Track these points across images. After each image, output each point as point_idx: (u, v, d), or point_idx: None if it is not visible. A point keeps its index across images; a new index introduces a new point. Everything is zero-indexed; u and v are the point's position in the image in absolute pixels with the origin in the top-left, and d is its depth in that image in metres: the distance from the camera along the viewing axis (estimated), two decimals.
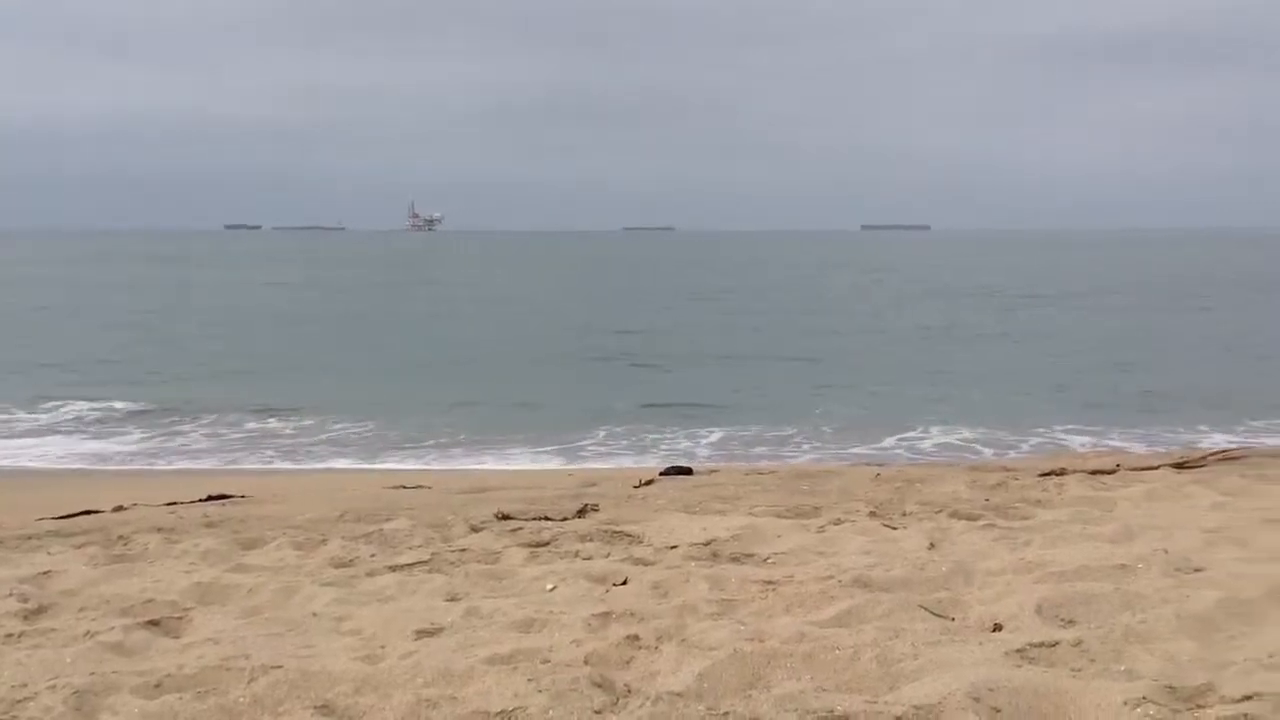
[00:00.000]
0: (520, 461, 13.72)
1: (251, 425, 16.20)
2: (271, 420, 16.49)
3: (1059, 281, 56.26)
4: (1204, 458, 10.61)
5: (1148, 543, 6.86)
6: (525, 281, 61.40)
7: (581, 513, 8.36)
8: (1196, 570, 6.14)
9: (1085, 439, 14.51)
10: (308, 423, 16.38)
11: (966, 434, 14.95)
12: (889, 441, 14.47)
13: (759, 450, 14.14)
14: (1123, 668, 4.58)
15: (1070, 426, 15.35)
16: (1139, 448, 13.02)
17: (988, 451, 13.76)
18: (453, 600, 5.92)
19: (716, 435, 15.15)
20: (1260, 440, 13.77)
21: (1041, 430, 15.17)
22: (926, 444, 14.38)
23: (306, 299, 45.13)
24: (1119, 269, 71.80)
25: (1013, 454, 13.33)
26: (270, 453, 14.44)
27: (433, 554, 6.99)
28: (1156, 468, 10.15)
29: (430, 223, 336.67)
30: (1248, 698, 4.12)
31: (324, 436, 15.52)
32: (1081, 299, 43.49)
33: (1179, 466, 10.21)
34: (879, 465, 11.33)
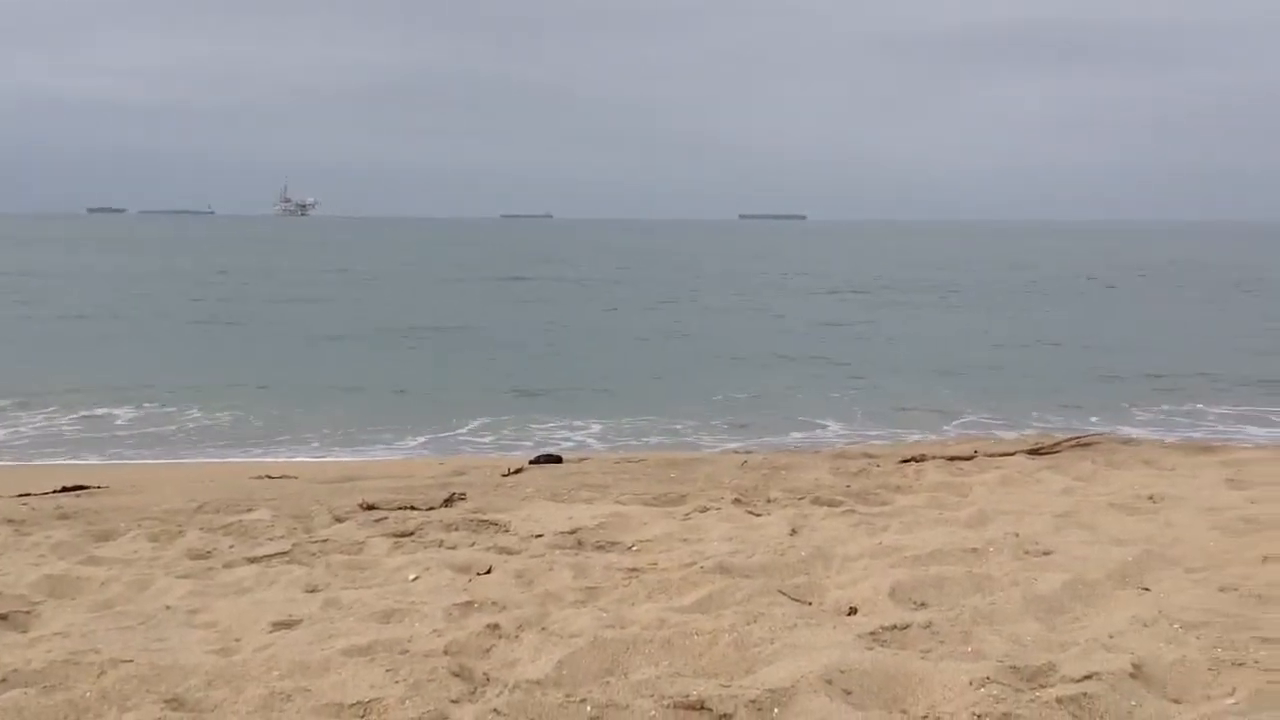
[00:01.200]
0: (391, 450, 13.55)
1: (111, 414, 15.70)
2: (132, 409, 15.99)
3: (936, 272, 57.32)
4: (1058, 444, 10.94)
5: (1000, 527, 7.08)
6: (404, 267, 60.75)
7: (448, 502, 8.31)
8: (1045, 553, 6.36)
9: (986, 429, 14.48)
10: (169, 410, 15.95)
11: (868, 425, 14.88)
12: (794, 436, 14.22)
13: (654, 440, 13.92)
14: (970, 649, 4.71)
15: (984, 417, 15.41)
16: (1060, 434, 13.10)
17: (914, 436, 13.74)
18: (312, 591, 5.86)
19: (598, 426, 14.94)
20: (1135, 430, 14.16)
21: (944, 418, 15.27)
22: (827, 434, 14.27)
23: (173, 286, 43.90)
24: (992, 260, 73.33)
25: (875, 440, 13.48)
26: (130, 443, 14.01)
27: (293, 545, 6.91)
28: (1012, 454, 10.45)
29: (303, 207, 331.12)
30: (1087, 677, 4.27)
31: (188, 425, 15.12)
32: (952, 290, 44.43)
33: (1034, 452, 10.53)
34: (747, 452, 11.46)
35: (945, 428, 14.64)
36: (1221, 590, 5.45)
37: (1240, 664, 4.43)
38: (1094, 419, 15.03)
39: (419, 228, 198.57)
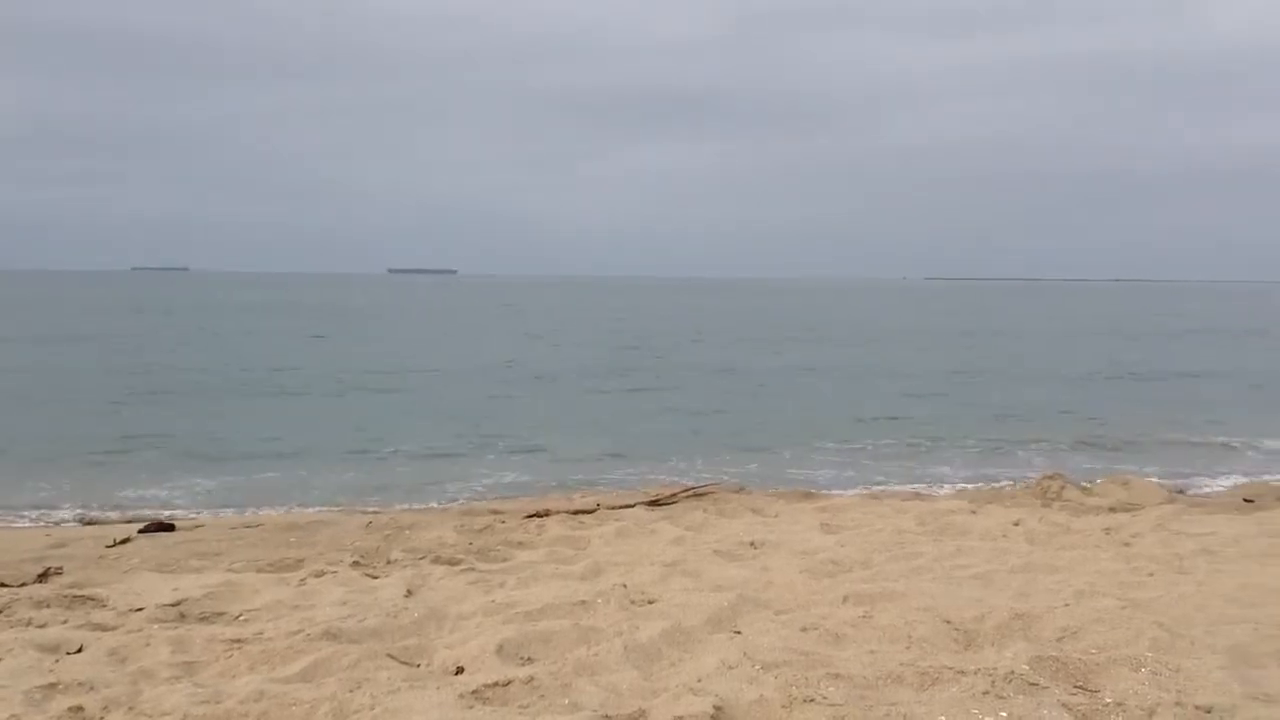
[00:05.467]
0: None
1: None
2: None
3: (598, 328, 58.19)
4: (675, 495, 11.41)
5: (610, 578, 7.33)
6: (28, 325, 56.28)
7: (42, 577, 7.78)
8: (649, 602, 6.64)
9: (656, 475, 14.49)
10: None
11: (542, 475, 14.59)
12: (453, 487, 13.73)
13: (283, 503, 12.99)
14: (568, 701, 4.86)
15: (639, 471, 15.29)
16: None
17: (556, 491, 13.37)
18: None
19: (229, 490, 13.63)
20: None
21: (597, 471, 15.11)
22: (466, 491, 13.63)
23: None
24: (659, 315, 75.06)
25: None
26: None
27: None
28: (633, 505, 10.81)
29: None
30: None
31: None
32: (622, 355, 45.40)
33: (653, 504, 10.94)
34: (374, 512, 11.32)
35: (591, 479, 14.38)
36: (803, 630, 5.86)
37: (810, 700, 4.78)
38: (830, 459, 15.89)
39: (42, 281, 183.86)
